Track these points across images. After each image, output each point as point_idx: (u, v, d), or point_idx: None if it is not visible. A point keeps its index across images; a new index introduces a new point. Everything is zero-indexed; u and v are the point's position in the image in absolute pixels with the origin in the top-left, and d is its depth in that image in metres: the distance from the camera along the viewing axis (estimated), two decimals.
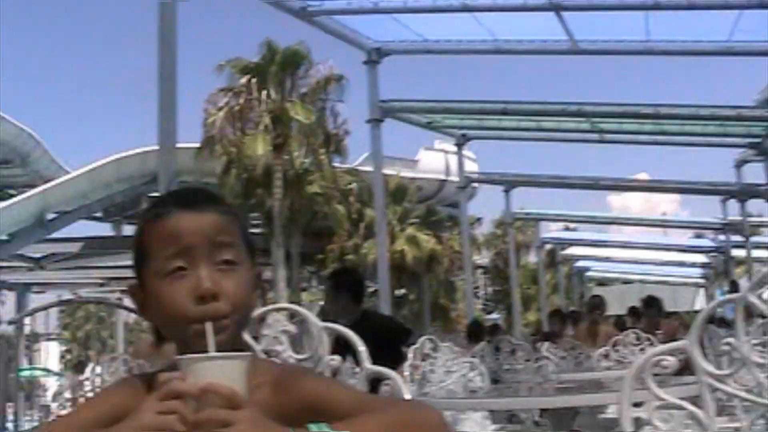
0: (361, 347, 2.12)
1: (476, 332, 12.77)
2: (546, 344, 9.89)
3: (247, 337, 2.34)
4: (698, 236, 32.08)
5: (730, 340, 2.34)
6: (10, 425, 8.06)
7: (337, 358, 2.12)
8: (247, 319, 1.66)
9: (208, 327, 1.48)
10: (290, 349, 2.23)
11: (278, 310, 2.24)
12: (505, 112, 16.62)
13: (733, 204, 22.95)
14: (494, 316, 46.23)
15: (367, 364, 2.09)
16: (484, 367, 6.51)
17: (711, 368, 2.29)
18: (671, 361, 2.29)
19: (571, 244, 32.75)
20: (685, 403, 2.28)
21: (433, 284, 34.51)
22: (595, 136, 18.41)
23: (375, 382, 2.15)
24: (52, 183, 26.97)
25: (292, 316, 2.28)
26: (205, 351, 1.44)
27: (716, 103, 15.45)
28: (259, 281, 1.71)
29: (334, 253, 31.42)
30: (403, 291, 35.32)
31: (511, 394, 5.58)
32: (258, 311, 2.39)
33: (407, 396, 2.03)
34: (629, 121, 16.85)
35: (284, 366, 2.06)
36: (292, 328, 2.23)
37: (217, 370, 1.36)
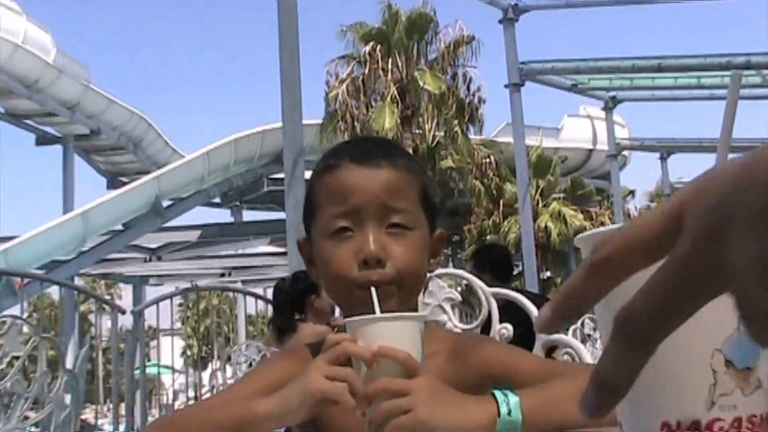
0: (536, 313, 2.10)
1: None
2: None
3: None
4: None
5: None
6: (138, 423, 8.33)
7: (508, 326, 2.11)
8: (416, 287, 1.67)
9: (374, 293, 1.50)
10: (455, 318, 2.23)
11: (441, 276, 2.24)
12: (660, 69, 16.24)
13: None
14: None
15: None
16: None
17: None
18: None
19: None
20: None
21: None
22: (766, 91, 17.84)
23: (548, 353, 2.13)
24: (167, 168, 27.61)
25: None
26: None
27: None
28: (440, 245, 1.72)
29: (472, 233, 31.33)
30: (548, 273, 35.02)
31: None
32: None
33: (589, 362, 2.01)
34: None
35: (459, 334, 2.07)
36: (456, 295, 2.23)
37: (391, 333, 1.36)
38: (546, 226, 30.64)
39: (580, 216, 31.78)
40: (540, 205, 31.05)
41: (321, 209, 1.63)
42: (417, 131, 28.09)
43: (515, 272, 21.70)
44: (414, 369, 1.34)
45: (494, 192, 31.23)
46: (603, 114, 22.49)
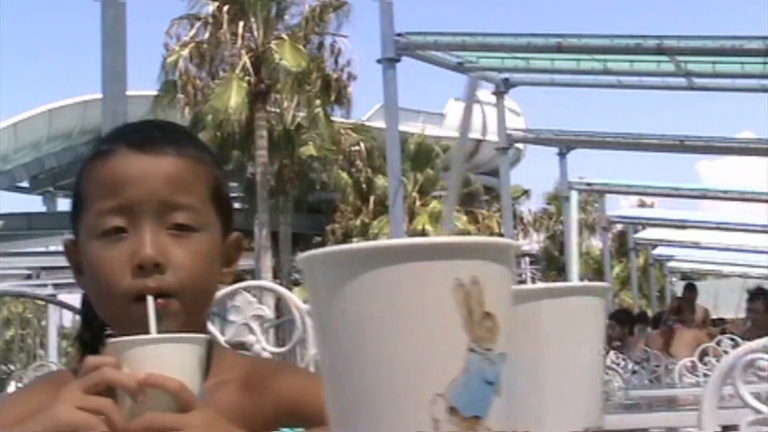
0: None
1: None
2: (611, 354, 10.03)
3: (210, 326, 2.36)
4: None
5: None
6: None
7: None
8: (203, 300, 1.65)
9: (150, 303, 1.48)
10: (264, 339, 2.24)
11: (249, 289, 2.24)
12: (560, 49, 16.47)
13: None
14: None
15: None
16: None
17: None
18: None
19: (649, 225, 32.62)
20: None
21: None
22: (681, 81, 18.25)
23: None
24: None
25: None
26: (146, 334, 1.43)
27: None
28: (236, 252, 1.72)
29: (336, 234, 31.43)
30: None
31: None
32: (223, 291, 2.41)
33: None
34: (729, 61, 16.69)
35: (256, 360, 2.07)
36: (267, 312, 2.23)
37: (162, 358, 1.35)
38: (423, 229, 30.91)
39: (464, 218, 32.16)
40: (417, 203, 31.30)
41: (89, 204, 1.60)
42: (274, 110, 28.00)
43: None
44: (188, 402, 1.33)
45: (364, 186, 31.39)
46: (494, 99, 22.71)
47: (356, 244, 0.76)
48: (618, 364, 9.57)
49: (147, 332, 1.44)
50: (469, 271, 0.75)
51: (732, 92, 20.21)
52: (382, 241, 0.75)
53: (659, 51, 16.01)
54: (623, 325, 13.13)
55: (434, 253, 0.75)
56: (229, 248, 1.70)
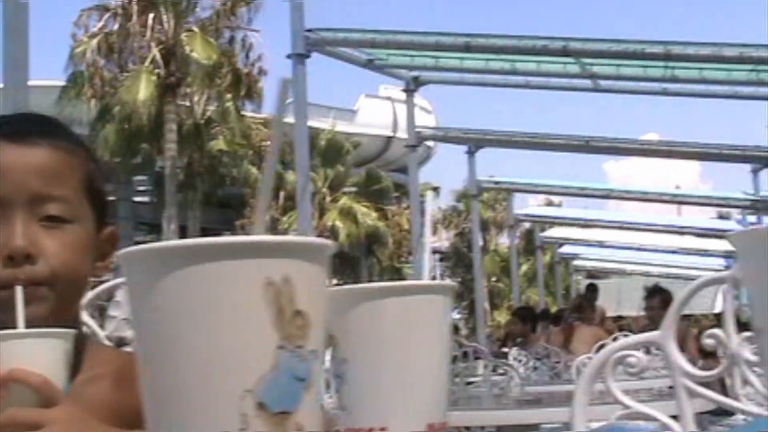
0: None
1: None
2: (513, 350, 10.20)
3: (88, 318, 2.36)
4: (722, 217, 32.50)
5: (716, 331, 2.40)
6: None
7: None
8: (75, 292, 1.65)
9: (19, 294, 1.44)
10: None
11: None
12: (468, 48, 16.54)
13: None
14: (454, 315, 46.50)
15: None
16: None
17: (689, 366, 2.34)
18: (639, 358, 2.33)
19: (555, 224, 32.92)
20: (655, 412, 2.33)
21: (374, 272, 34.53)
22: (587, 82, 18.38)
23: None
24: None
25: None
26: (13, 327, 1.40)
27: (746, 41, 15.43)
28: (110, 247, 1.71)
29: (246, 229, 31.27)
30: (334, 281, 35.29)
31: (463, 407, 5.70)
32: (104, 285, 2.41)
33: None
34: (632, 64, 16.86)
35: (132, 355, 2.06)
36: None
37: (26, 352, 1.33)
38: (334, 225, 30.88)
39: (374, 214, 32.20)
40: (328, 199, 31.27)
41: None
42: (183, 104, 27.83)
43: None
44: (52, 397, 1.31)
45: (274, 181, 31.36)
46: (404, 96, 22.74)
47: (171, 242, 0.78)
48: (519, 360, 9.75)
49: (14, 320, 1.42)
50: (281, 269, 0.78)
51: (635, 94, 20.49)
52: (196, 239, 0.77)
53: (565, 53, 16.15)
54: (526, 322, 13.33)
55: (246, 252, 0.77)
56: (103, 242, 1.70)
